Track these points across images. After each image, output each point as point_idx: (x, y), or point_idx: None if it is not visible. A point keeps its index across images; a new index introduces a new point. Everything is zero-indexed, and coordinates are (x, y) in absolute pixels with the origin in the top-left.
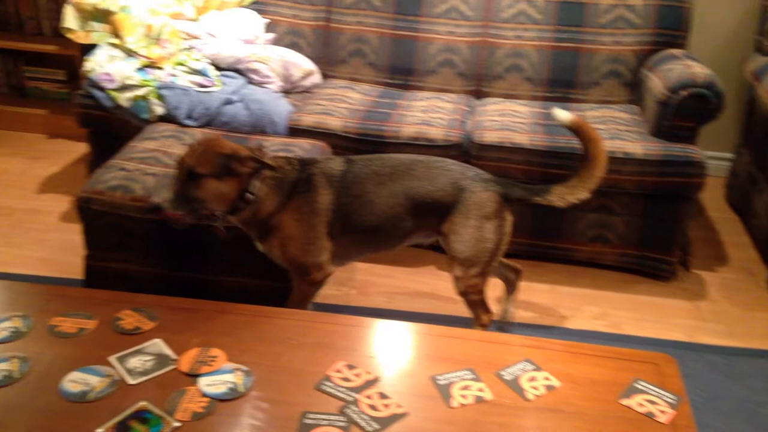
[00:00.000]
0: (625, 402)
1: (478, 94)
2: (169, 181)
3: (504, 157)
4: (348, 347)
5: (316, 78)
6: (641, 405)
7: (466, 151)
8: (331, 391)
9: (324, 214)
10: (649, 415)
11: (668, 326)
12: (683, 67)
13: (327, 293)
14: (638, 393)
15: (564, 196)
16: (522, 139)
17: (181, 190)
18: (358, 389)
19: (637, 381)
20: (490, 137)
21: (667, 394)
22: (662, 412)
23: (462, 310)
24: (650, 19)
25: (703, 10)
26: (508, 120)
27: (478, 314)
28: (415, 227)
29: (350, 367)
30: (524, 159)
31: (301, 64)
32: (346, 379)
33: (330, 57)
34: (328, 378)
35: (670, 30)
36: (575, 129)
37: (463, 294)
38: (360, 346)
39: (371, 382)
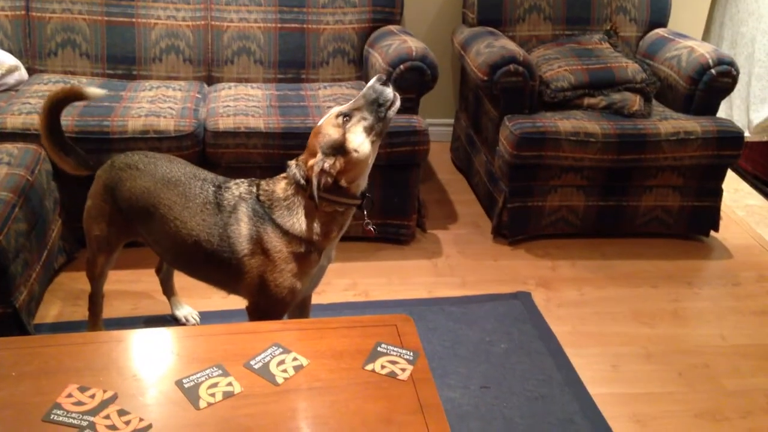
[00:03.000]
0: (369, 367)
1: (210, 80)
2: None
3: (241, 143)
4: (79, 368)
5: (22, 74)
6: (384, 367)
7: (200, 140)
8: (63, 419)
9: None
10: (391, 375)
11: (412, 286)
12: (399, 42)
13: (63, 311)
14: (380, 356)
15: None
16: (257, 123)
17: None
18: (93, 411)
19: (379, 344)
20: (225, 123)
21: (405, 351)
22: (402, 369)
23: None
24: None
25: None
26: (243, 104)
27: None
28: None
29: (83, 389)
30: (262, 143)
31: (1, 60)
32: (80, 403)
33: (35, 50)
34: (58, 406)
35: (385, 7)
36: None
37: None
38: (93, 365)
39: (108, 401)
